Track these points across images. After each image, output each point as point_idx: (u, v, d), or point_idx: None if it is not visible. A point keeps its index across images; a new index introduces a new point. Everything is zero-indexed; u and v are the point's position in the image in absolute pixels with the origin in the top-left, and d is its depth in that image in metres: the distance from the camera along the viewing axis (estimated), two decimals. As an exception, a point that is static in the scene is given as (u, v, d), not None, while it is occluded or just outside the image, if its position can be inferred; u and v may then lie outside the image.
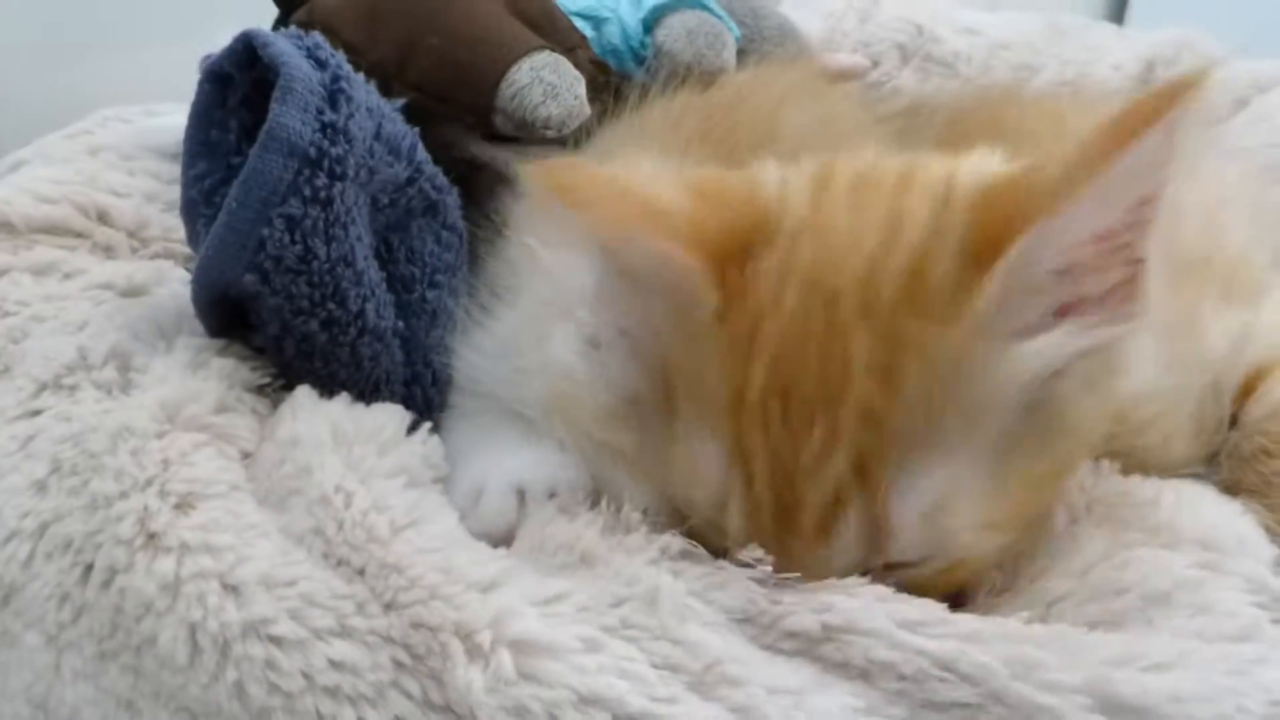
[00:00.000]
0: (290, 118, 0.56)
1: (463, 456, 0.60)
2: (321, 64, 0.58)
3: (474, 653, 0.45)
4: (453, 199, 0.73)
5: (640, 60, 0.91)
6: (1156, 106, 0.39)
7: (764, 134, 0.77)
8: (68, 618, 0.52)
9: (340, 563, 0.49)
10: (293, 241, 0.58)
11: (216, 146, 0.60)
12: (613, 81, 0.89)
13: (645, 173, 0.53)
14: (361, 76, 0.63)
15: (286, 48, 0.57)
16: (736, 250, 0.46)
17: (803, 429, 0.44)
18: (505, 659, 0.45)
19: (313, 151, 0.57)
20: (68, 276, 0.74)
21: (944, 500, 0.44)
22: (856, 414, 0.43)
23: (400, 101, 0.69)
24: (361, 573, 0.48)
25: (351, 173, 0.59)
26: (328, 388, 0.63)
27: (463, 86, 0.78)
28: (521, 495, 0.56)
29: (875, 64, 1.07)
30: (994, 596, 0.51)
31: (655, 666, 0.45)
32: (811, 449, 0.44)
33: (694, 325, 0.46)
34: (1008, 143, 0.74)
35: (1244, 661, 0.45)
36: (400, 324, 0.68)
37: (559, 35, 0.86)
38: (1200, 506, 0.54)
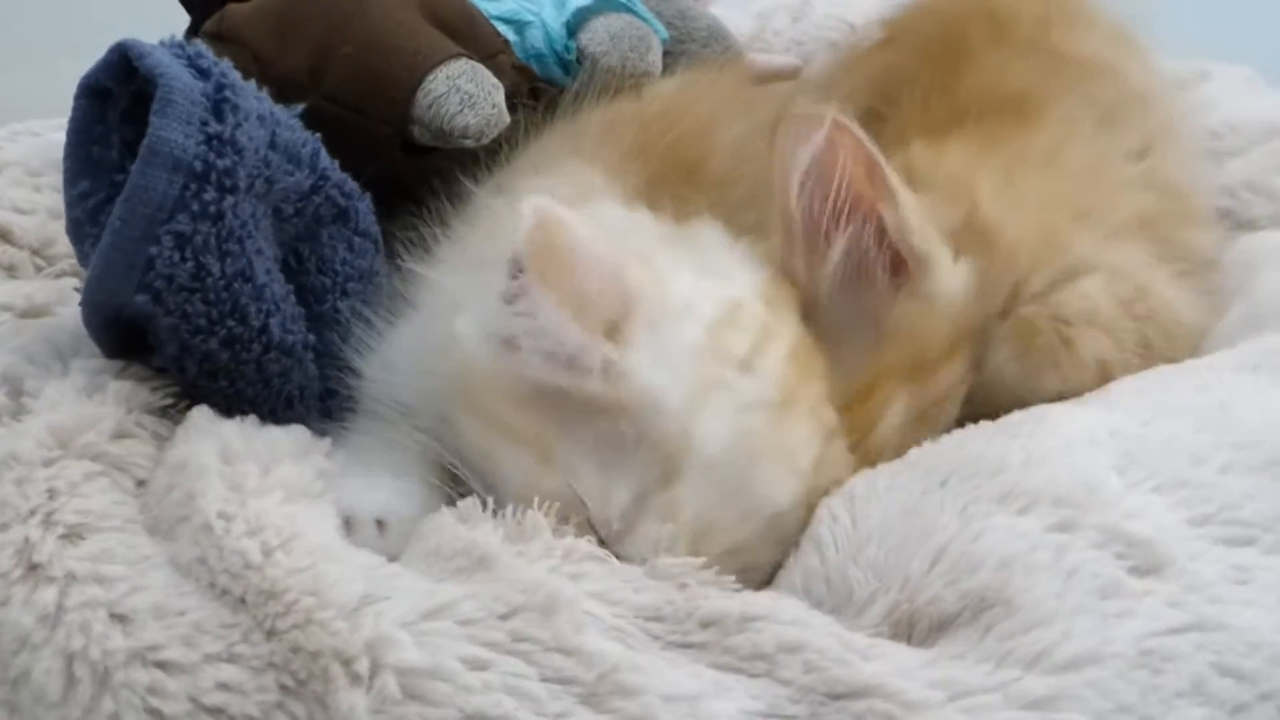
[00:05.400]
0: (171, 131, 0.54)
1: None
2: (204, 73, 0.56)
3: (355, 678, 0.44)
4: (365, 204, 0.71)
5: (565, 65, 0.90)
6: None
7: (703, 149, 0.78)
8: (-60, 660, 0.51)
9: (224, 592, 0.48)
10: (183, 259, 0.56)
11: (99, 164, 0.58)
12: (539, 88, 0.88)
13: None
14: (253, 84, 0.61)
15: (164, 58, 0.55)
16: None
17: None
18: (389, 680, 0.44)
19: (198, 165, 0.55)
20: (-35, 298, 0.72)
21: None
22: None
23: (299, 107, 0.67)
24: (243, 601, 0.47)
25: (243, 185, 0.58)
26: (236, 407, 0.61)
27: (377, 97, 0.76)
28: (348, 523, 0.55)
29: (808, 63, 1.06)
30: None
31: (546, 680, 0.44)
32: None
33: None
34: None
35: (1108, 618, 0.46)
36: (312, 337, 0.66)
37: (480, 41, 0.84)
38: (1047, 460, 0.53)
